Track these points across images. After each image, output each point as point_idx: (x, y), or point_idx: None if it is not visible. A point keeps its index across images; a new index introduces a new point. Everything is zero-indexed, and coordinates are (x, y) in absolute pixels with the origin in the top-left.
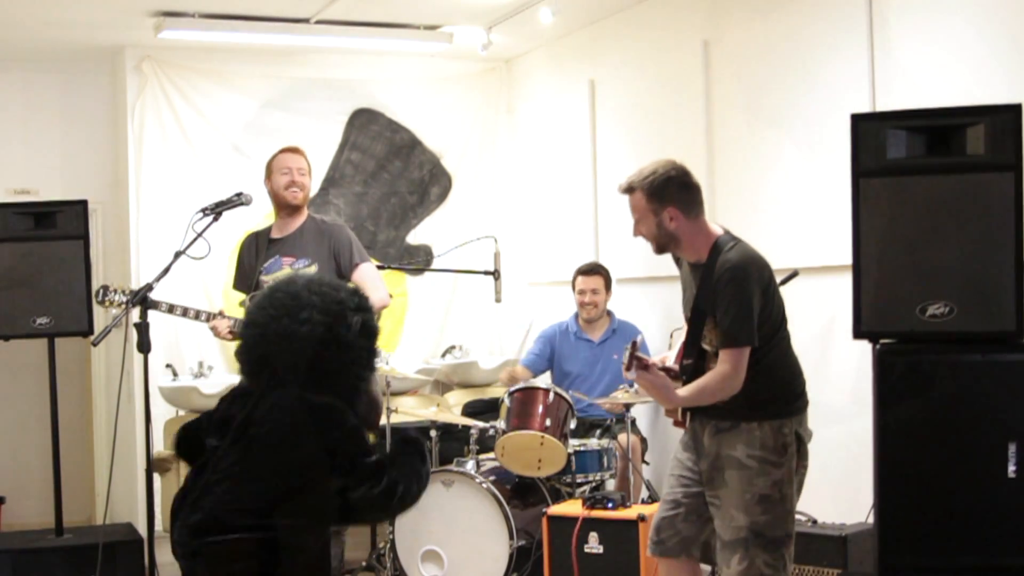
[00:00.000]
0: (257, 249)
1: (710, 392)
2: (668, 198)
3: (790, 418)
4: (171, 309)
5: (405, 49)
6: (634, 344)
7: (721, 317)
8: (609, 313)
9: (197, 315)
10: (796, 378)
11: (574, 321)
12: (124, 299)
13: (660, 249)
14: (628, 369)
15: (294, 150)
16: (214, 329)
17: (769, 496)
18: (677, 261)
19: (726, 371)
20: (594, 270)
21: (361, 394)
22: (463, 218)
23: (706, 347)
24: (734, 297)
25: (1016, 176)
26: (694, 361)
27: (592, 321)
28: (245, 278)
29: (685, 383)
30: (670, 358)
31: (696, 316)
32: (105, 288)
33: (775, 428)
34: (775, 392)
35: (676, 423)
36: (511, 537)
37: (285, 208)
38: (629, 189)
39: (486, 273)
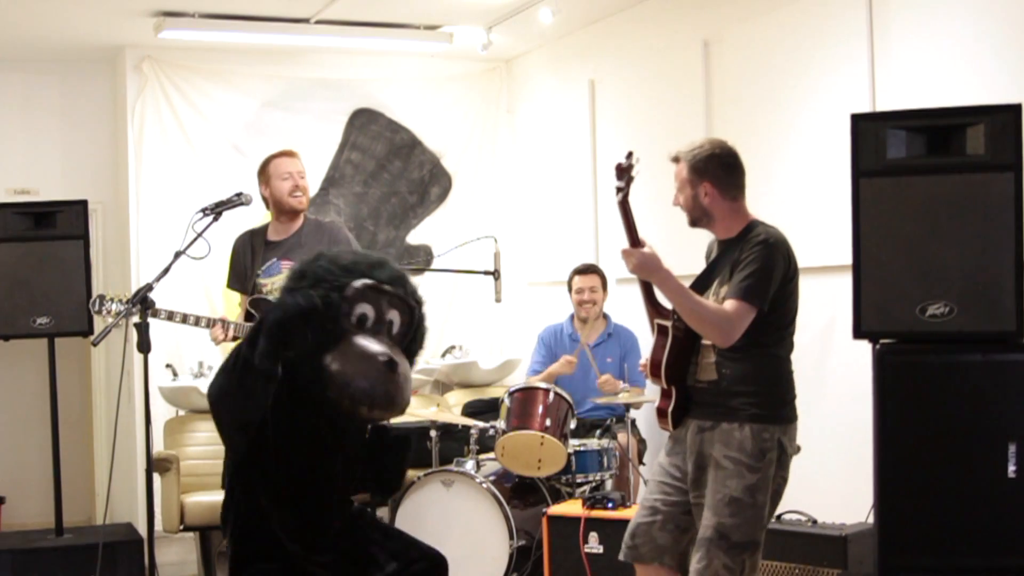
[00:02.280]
0: (253, 250)
1: (700, 311)
2: (707, 174)
3: (774, 425)
4: (171, 316)
5: (405, 49)
6: (630, 156)
7: (739, 271)
8: (605, 316)
9: (197, 321)
10: (786, 383)
11: (569, 323)
12: (121, 308)
13: (693, 222)
14: (620, 180)
15: (290, 154)
16: (214, 337)
17: (739, 499)
18: (708, 258)
19: (724, 312)
20: (591, 269)
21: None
22: (463, 218)
23: None
24: (758, 257)
25: (1016, 176)
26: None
27: (588, 322)
28: (240, 278)
29: (671, 352)
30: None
31: (705, 276)
32: (101, 298)
33: (755, 432)
34: (764, 389)
35: (660, 418)
36: (511, 537)
37: (287, 213)
38: (675, 159)
39: (486, 273)
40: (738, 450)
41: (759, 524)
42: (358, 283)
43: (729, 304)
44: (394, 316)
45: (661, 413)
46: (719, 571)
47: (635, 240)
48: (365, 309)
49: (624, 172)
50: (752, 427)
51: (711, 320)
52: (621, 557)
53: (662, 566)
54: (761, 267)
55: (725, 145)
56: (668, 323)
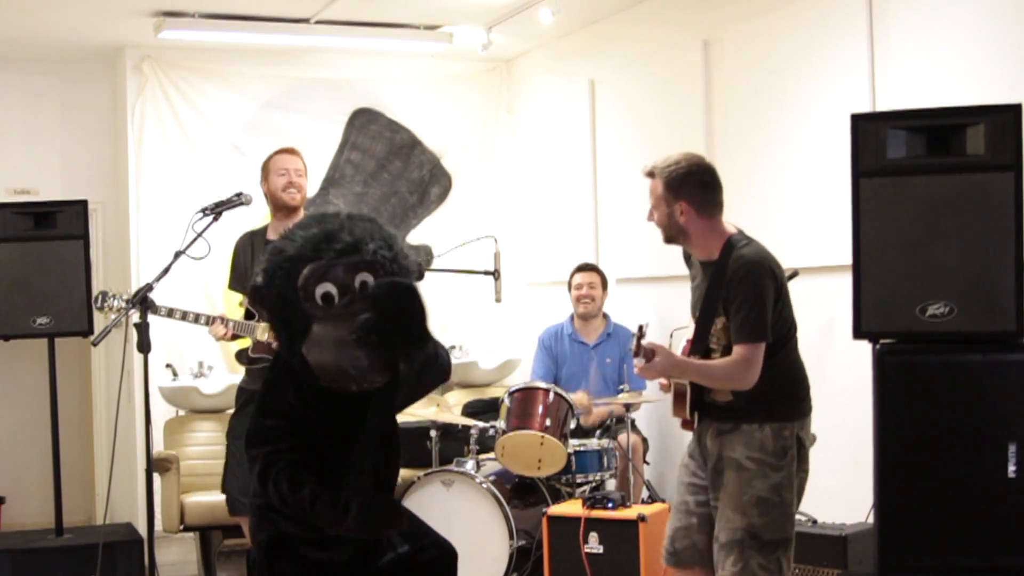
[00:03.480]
0: (253, 250)
1: (717, 374)
2: (683, 193)
3: (792, 421)
4: (170, 313)
5: (405, 49)
6: (640, 330)
7: (735, 312)
8: (605, 316)
9: (196, 318)
10: (802, 381)
11: (569, 323)
12: (123, 304)
13: (668, 239)
14: (637, 355)
15: (290, 151)
16: (214, 333)
17: (767, 499)
18: (687, 261)
19: (739, 363)
20: (591, 267)
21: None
22: (463, 218)
23: (713, 346)
24: (749, 292)
25: (1016, 176)
26: (700, 359)
27: (588, 318)
28: (240, 278)
29: (691, 394)
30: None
31: (704, 315)
32: (104, 294)
33: (776, 431)
34: (780, 393)
35: (684, 425)
36: (511, 537)
37: (283, 209)
38: (650, 174)
39: (486, 273)
40: (760, 450)
41: (789, 521)
42: (307, 270)
43: (738, 351)
44: (366, 278)
45: (685, 424)
46: (756, 572)
47: (648, 357)
48: (327, 288)
49: (640, 346)
50: (772, 426)
51: (732, 376)
52: (664, 563)
53: (703, 569)
54: (753, 301)
55: (702, 162)
56: (684, 383)
